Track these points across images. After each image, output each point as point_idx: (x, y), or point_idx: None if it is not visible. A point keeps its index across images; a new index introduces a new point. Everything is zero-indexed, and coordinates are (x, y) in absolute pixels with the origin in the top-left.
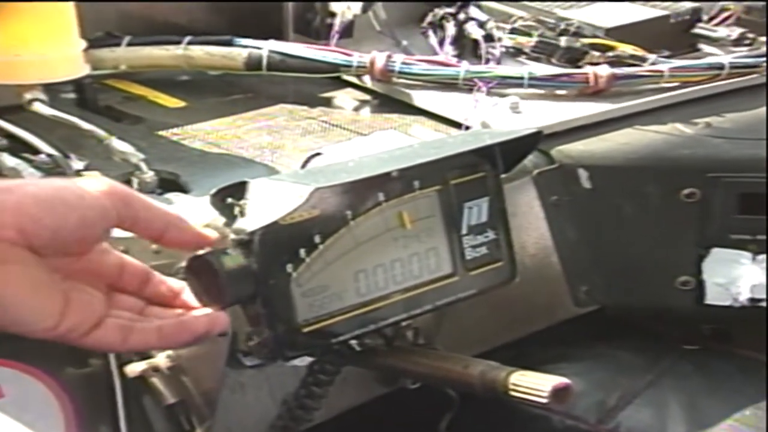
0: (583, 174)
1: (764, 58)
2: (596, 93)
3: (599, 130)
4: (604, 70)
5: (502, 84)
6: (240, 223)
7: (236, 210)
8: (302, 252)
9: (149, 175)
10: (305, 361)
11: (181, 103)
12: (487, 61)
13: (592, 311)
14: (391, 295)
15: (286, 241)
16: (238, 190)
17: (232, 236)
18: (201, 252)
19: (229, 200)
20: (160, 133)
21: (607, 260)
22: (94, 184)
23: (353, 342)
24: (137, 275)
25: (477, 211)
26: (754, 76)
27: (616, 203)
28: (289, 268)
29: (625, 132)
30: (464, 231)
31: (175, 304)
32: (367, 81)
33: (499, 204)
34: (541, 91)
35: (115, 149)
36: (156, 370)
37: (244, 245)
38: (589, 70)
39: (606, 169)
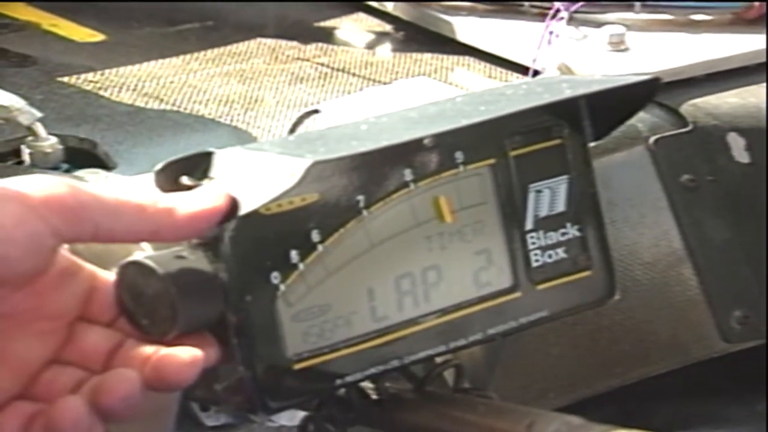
0: (737, 141)
1: None
2: (759, 18)
3: (763, 75)
4: None
5: (595, 3)
6: None
7: None
8: (294, 255)
9: (49, 143)
10: (296, 418)
11: (98, 36)
12: None
13: (748, 349)
14: (421, 320)
15: (271, 240)
16: (199, 164)
17: None
18: (139, 257)
19: (185, 180)
20: (65, 79)
21: None
22: (21, 191)
23: (367, 387)
24: (111, 301)
25: (550, 196)
26: None
27: None
28: (275, 278)
29: None
30: (530, 225)
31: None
32: (387, 2)
33: (586, 186)
34: (665, 17)
35: None
36: None
37: (207, 246)
38: None
39: None
